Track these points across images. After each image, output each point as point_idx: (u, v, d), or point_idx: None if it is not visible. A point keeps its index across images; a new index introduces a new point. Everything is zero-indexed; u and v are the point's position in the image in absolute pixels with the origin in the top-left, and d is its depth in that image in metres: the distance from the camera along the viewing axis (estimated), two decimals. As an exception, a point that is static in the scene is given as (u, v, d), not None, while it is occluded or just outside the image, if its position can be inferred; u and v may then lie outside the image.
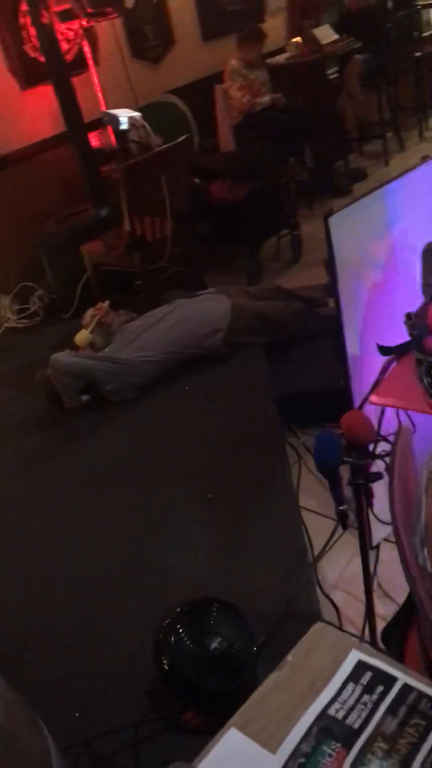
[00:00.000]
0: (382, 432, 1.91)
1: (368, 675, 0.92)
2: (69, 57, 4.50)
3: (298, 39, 5.63)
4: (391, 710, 0.87)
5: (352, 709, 0.88)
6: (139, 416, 3.20)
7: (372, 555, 2.15)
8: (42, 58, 4.29)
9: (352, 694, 0.90)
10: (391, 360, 2.06)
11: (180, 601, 1.89)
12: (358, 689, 0.90)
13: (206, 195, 4.77)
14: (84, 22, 4.24)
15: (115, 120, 3.76)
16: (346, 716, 0.88)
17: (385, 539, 2.50)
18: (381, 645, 1.36)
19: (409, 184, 2.19)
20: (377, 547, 2.46)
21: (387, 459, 1.62)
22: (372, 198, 2.09)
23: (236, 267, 4.83)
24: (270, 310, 3.41)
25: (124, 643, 2.06)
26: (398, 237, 2.21)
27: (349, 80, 5.78)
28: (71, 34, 4.55)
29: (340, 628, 1.10)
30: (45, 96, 4.48)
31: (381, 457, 1.62)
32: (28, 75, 4.45)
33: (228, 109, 5.15)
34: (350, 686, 0.91)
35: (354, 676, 0.92)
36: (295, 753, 0.86)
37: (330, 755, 0.84)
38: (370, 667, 0.92)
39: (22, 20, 4.36)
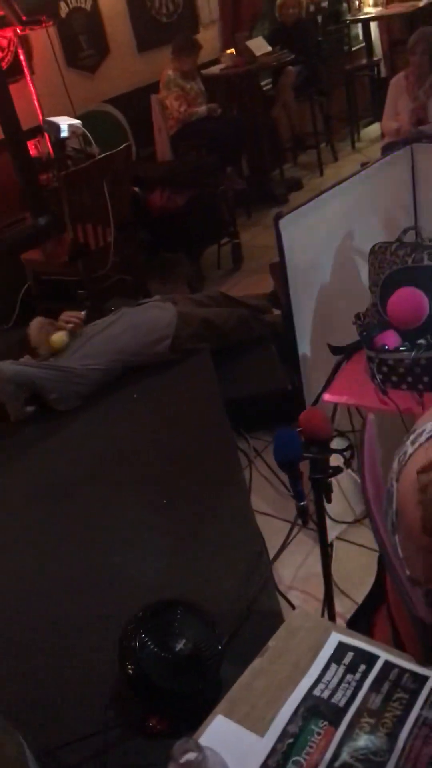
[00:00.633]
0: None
1: (350, 655, 0.94)
2: (3, 64, 4.45)
3: (231, 50, 5.72)
4: (375, 687, 0.89)
5: (336, 688, 0.90)
6: (88, 425, 3.16)
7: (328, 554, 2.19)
8: (-24, 66, 4.24)
9: (335, 674, 0.92)
10: (342, 359, 2.11)
11: (141, 606, 1.88)
12: (341, 669, 0.93)
13: (145, 204, 4.78)
14: (18, 30, 4.20)
15: (55, 128, 3.73)
16: (331, 695, 0.90)
17: (338, 537, 2.55)
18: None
19: (352, 189, 2.25)
20: (331, 545, 2.51)
21: (346, 453, 1.67)
22: (319, 201, 2.15)
23: (178, 275, 4.86)
24: (215, 317, 3.43)
25: (84, 652, 2.03)
26: (345, 240, 2.27)
27: (283, 91, 5.90)
28: (5, 42, 4.51)
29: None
30: (-21, 104, 4.41)
31: (340, 451, 1.66)
32: (-38, 83, 4.38)
33: (165, 119, 5.19)
34: (333, 667, 0.93)
35: (336, 657, 0.94)
36: (284, 734, 0.87)
37: (318, 733, 0.86)
38: (352, 648, 0.95)
39: None
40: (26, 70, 4.47)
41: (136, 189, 4.64)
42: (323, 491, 1.67)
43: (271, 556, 2.45)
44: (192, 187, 4.74)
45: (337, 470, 1.62)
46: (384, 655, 0.92)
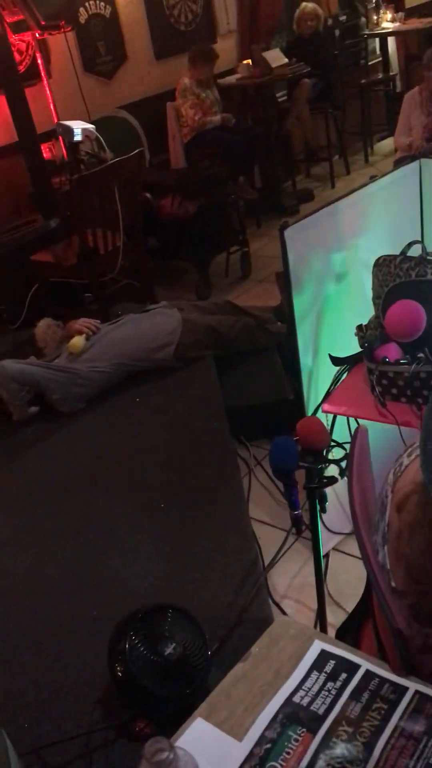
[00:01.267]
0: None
1: (332, 663, 0.94)
2: (21, 68, 4.49)
3: (248, 61, 5.75)
4: (355, 696, 0.89)
5: (316, 695, 0.90)
6: (89, 427, 3.18)
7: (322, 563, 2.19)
8: (-6, 68, 4.27)
9: (316, 681, 0.92)
10: (342, 370, 2.12)
11: (132, 609, 1.88)
12: (322, 677, 0.93)
13: (156, 210, 4.81)
14: (37, 34, 4.24)
15: (69, 131, 3.76)
16: (310, 703, 0.90)
17: (335, 549, 2.55)
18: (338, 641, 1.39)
19: (359, 202, 2.26)
20: (326, 556, 2.51)
21: (342, 464, 1.67)
22: (325, 212, 2.16)
23: (185, 282, 4.88)
24: (220, 325, 3.44)
25: (74, 654, 2.04)
26: (350, 251, 2.27)
27: (297, 103, 5.92)
28: (24, 46, 4.56)
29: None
30: (-4, 106, 4.46)
31: (336, 461, 1.66)
32: (-21, 84, 4.42)
33: (179, 127, 5.22)
34: (314, 674, 0.93)
35: (318, 664, 0.94)
36: (261, 739, 0.87)
37: (296, 740, 0.86)
38: (333, 656, 0.95)
39: (-26, 29, 4.34)
40: (43, 74, 4.52)
41: (148, 195, 4.67)
42: (318, 501, 1.67)
43: (266, 564, 2.45)
44: (203, 195, 4.76)
45: (332, 480, 1.62)
46: (365, 665, 0.92)
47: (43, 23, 4.08)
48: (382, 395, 1.90)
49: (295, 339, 2.17)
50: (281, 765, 0.84)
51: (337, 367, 2.12)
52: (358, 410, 1.97)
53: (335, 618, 2.23)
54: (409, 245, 2.01)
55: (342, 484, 1.66)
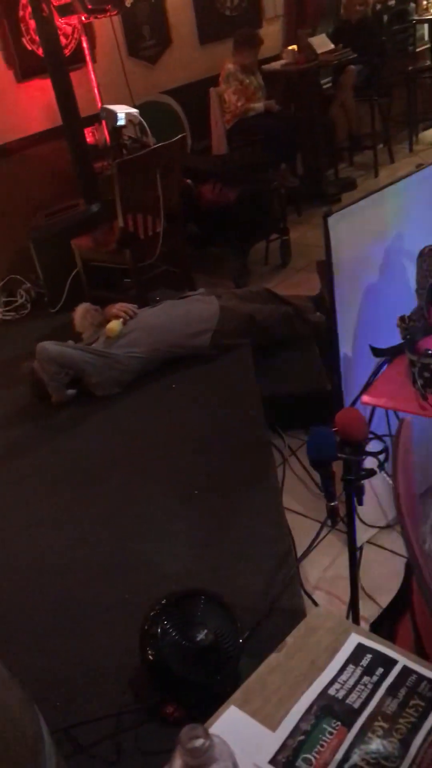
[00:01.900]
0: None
1: (368, 657, 0.93)
2: (67, 52, 4.50)
3: (293, 47, 5.68)
4: (391, 691, 0.88)
5: (352, 689, 0.89)
6: (125, 412, 3.19)
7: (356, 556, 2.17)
8: (40, 51, 4.28)
9: (352, 675, 0.91)
10: (383, 361, 2.08)
11: (166, 593, 1.89)
12: (358, 671, 0.92)
13: (197, 197, 4.79)
14: (83, 18, 4.24)
15: (112, 115, 3.76)
16: (346, 696, 0.89)
17: (368, 542, 2.52)
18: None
19: (404, 191, 2.22)
20: (361, 548, 2.49)
21: (380, 457, 1.65)
22: (369, 201, 2.12)
23: (224, 269, 4.86)
24: (258, 313, 3.42)
25: (106, 635, 2.06)
26: (394, 241, 2.24)
27: (342, 90, 5.83)
28: (70, 29, 4.56)
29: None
30: (40, 89, 4.48)
31: (374, 454, 1.64)
32: (25, 68, 4.45)
33: (222, 113, 5.18)
34: (350, 668, 0.92)
35: (354, 658, 0.93)
36: (295, 730, 0.86)
37: (330, 732, 0.85)
38: (370, 650, 0.94)
39: (21, 13, 4.36)
40: (88, 58, 4.52)
41: (189, 181, 4.65)
42: (355, 493, 1.65)
43: (299, 555, 2.44)
44: (244, 182, 4.73)
45: (370, 473, 1.60)
46: (402, 660, 0.91)
47: (89, 7, 4.07)
48: (423, 388, 1.86)
49: (335, 328, 2.14)
50: (315, 757, 0.83)
51: (377, 359, 2.09)
52: (399, 403, 1.93)
53: (367, 611, 2.21)
54: (456, 236, 1.97)
55: (378, 477, 1.64)
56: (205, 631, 1.75)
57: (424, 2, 6.56)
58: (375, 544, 2.52)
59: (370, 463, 1.66)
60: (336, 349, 2.17)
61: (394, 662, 0.91)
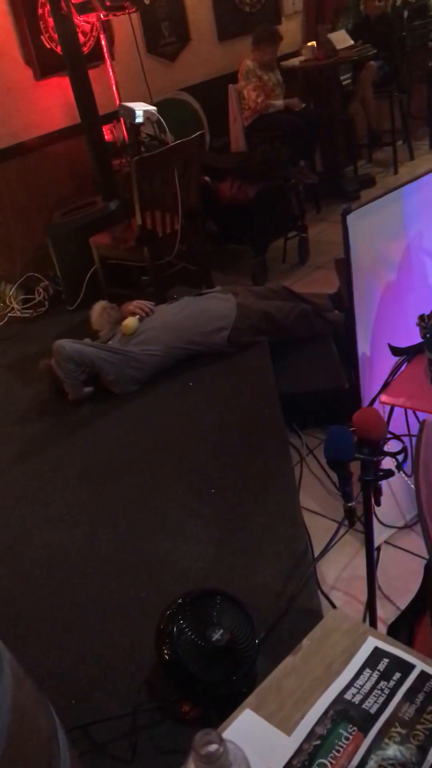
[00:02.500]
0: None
1: (385, 662, 0.92)
2: (85, 49, 4.51)
3: (313, 43, 5.65)
4: (409, 697, 0.87)
5: (368, 694, 0.88)
6: (142, 409, 3.19)
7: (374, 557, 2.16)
8: (58, 49, 4.29)
9: (368, 679, 0.90)
10: (402, 360, 2.06)
11: (182, 592, 1.88)
12: (375, 675, 0.90)
13: (215, 194, 4.78)
14: (102, 15, 4.24)
15: (130, 113, 3.75)
16: (362, 701, 0.88)
17: (386, 542, 2.50)
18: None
19: (425, 187, 2.19)
20: (378, 549, 2.47)
21: (398, 457, 1.63)
22: (389, 199, 2.10)
23: (242, 267, 4.84)
24: (276, 311, 3.41)
25: (122, 634, 2.06)
26: (413, 239, 2.21)
27: (362, 86, 5.79)
28: (88, 27, 4.57)
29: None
30: (59, 87, 4.49)
31: (392, 454, 1.62)
32: (44, 65, 4.46)
33: (241, 109, 5.16)
34: (367, 672, 0.91)
35: (371, 662, 0.92)
36: (311, 735, 0.85)
37: (347, 738, 0.84)
38: (387, 654, 0.92)
39: (40, 11, 4.37)
40: (107, 56, 4.52)
41: (207, 178, 4.64)
42: (372, 494, 1.63)
43: (316, 554, 2.42)
44: (263, 179, 4.71)
45: (389, 473, 1.58)
46: (420, 665, 0.90)
47: (108, 4, 4.07)
48: (442, 388, 1.84)
49: (353, 327, 2.12)
50: (331, 763, 0.82)
51: (396, 358, 2.07)
52: (418, 402, 1.92)
53: (385, 612, 2.19)
54: None
55: (396, 477, 1.62)
56: (221, 630, 1.74)
57: (446, -3, 6.49)
58: (393, 545, 2.50)
59: (388, 463, 1.65)
60: (354, 348, 2.16)
61: (412, 667, 0.90)
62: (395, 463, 1.62)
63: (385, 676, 0.90)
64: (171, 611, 1.80)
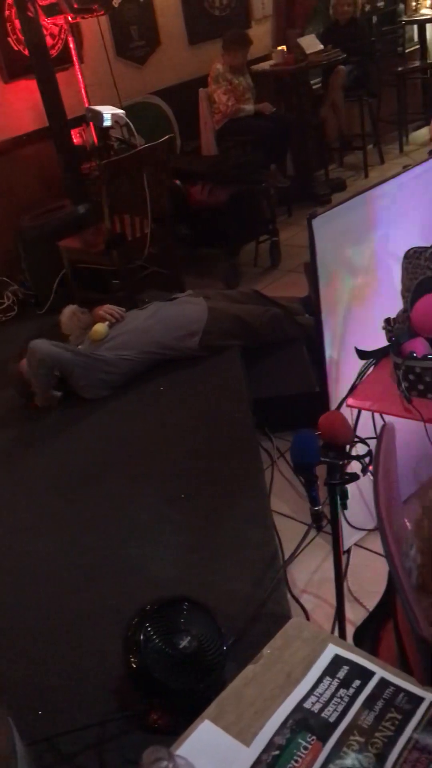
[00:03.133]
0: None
1: (345, 669, 0.91)
2: (53, 52, 4.48)
3: (283, 47, 5.67)
4: (368, 704, 0.86)
5: (328, 702, 0.87)
6: (113, 415, 3.17)
7: (342, 559, 2.16)
8: (26, 52, 4.26)
9: (328, 687, 0.89)
10: (368, 364, 2.07)
11: (150, 599, 1.87)
12: (335, 683, 0.90)
13: (186, 197, 4.77)
14: (70, 18, 4.21)
15: (98, 116, 3.74)
16: (322, 709, 0.87)
17: (357, 545, 2.51)
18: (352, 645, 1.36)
19: (390, 192, 2.20)
20: (348, 551, 2.47)
21: (365, 460, 1.63)
22: (355, 202, 2.10)
23: (214, 271, 4.84)
24: (247, 315, 3.40)
25: (92, 642, 2.03)
26: (379, 243, 2.22)
27: (332, 91, 5.82)
28: (57, 29, 4.53)
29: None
30: (27, 90, 4.44)
31: (358, 458, 1.62)
32: (11, 68, 4.41)
33: (211, 113, 5.16)
34: (327, 680, 0.90)
35: (330, 670, 0.91)
36: (270, 745, 0.84)
37: (305, 747, 0.83)
38: (347, 662, 0.92)
39: (6, 12, 4.33)
40: (75, 59, 4.49)
41: (177, 182, 4.63)
42: (338, 497, 1.63)
43: (286, 558, 2.42)
44: (234, 182, 4.71)
45: (354, 477, 1.58)
46: (380, 672, 0.89)
47: (76, 6, 4.04)
48: (408, 391, 1.85)
49: (321, 331, 2.13)
50: (289, 773, 0.81)
51: (363, 361, 2.08)
52: (384, 405, 1.92)
53: (354, 615, 2.20)
54: (441, 237, 1.95)
55: (366, 480, 1.62)
56: (189, 638, 1.73)
57: (413, 3, 6.56)
58: (363, 547, 2.50)
59: (356, 466, 1.65)
60: (322, 352, 2.16)
61: (372, 674, 0.89)
62: (361, 467, 1.63)
63: (344, 683, 0.89)
64: (138, 619, 1.78)
